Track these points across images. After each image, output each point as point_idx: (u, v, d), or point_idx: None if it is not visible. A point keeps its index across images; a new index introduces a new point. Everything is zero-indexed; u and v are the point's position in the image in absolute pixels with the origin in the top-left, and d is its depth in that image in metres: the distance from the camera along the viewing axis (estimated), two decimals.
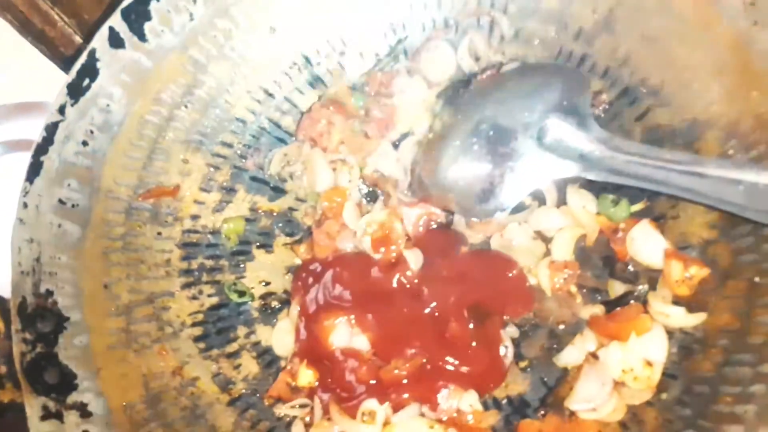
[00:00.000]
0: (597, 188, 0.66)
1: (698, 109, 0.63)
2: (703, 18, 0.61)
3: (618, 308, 0.62)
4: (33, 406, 0.54)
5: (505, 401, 0.63)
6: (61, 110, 0.62)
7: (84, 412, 0.56)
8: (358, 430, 0.60)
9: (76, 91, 0.63)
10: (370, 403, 0.61)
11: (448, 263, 0.66)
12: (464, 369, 0.61)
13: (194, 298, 0.68)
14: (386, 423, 0.61)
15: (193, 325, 0.67)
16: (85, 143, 0.63)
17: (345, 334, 0.65)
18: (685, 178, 0.56)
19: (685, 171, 0.56)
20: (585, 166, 0.61)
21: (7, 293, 0.57)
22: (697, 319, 0.59)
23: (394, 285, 0.66)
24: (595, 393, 0.58)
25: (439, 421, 0.61)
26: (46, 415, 0.54)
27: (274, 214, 0.74)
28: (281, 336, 0.68)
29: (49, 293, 0.59)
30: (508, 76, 0.69)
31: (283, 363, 0.68)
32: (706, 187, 0.54)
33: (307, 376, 0.64)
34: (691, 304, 0.59)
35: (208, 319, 0.68)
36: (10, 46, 0.81)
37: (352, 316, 0.65)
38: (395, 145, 0.73)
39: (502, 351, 0.62)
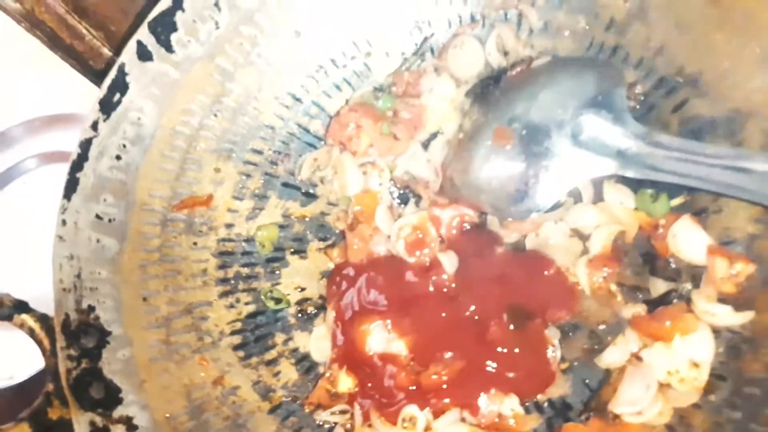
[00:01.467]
0: (635, 183, 0.64)
1: (739, 98, 0.61)
2: (743, 1, 0.58)
3: (661, 307, 0.60)
4: (80, 422, 0.54)
5: (546, 404, 0.63)
6: (94, 126, 0.63)
7: (130, 425, 0.57)
8: None
9: (107, 106, 0.63)
10: (411, 409, 0.61)
11: (484, 265, 0.66)
12: (510, 374, 0.60)
13: (232, 306, 0.69)
14: (427, 429, 0.60)
15: (232, 333, 0.68)
16: (118, 157, 0.64)
17: (381, 339, 0.65)
18: (728, 174, 0.54)
19: (728, 166, 0.54)
20: (622, 163, 0.60)
21: (50, 310, 0.58)
22: (745, 317, 0.57)
23: (431, 289, 0.65)
24: (639, 395, 0.57)
25: (480, 425, 0.60)
26: (94, 430, 0.55)
27: (307, 219, 0.74)
28: (319, 342, 0.68)
29: (91, 308, 0.59)
30: (539, 71, 0.67)
31: (321, 369, 0.68)
32: (752, 183, 0.52)
33: (346, 383, 0.64)
34: (737, 301, 0.58)
35: (246, 327, 0.69)
36: (41, 61, 0.82)
37: (388, 321, 0.65)
38: (425, 146, 0.72)
39: (549, 353, 0.61)
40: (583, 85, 0.63)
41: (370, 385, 0.63)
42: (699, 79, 0.63)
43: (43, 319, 0.58)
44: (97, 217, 0.62)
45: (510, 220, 0.67)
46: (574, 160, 0.61)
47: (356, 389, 0.64)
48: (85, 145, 0.63)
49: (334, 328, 0.67)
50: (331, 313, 0.68)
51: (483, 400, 0.60)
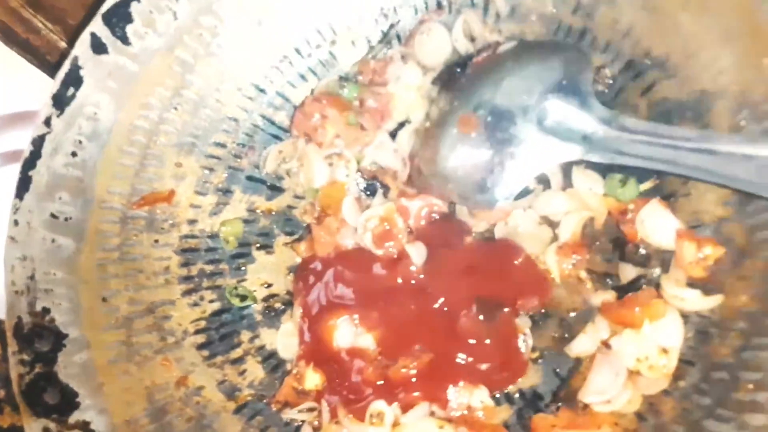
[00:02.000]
0: (603, 168, 0.63)
1: (706, 79, 0.60)
2: None
3: (630, 293, 0.59)
4: (33, 429, 0.53)
5: (517, 395, 0.62)
6: (47, 122, 0.61)
7: (87, 431, 0.55)
8: None
9: (60, 101, 0.61)
10: (379, 404, 0.60)
11: (453, 255, 0.65)
12: (482, 366, 0.59)
13: (195, 304, 0.67)
14: (395, 424, 0.59)
15: (196, 332, 0.66)
16: (74, 154, 0.62)
17: (349, 334, 0.63)
18: (694, 156, 0.53)
19: (694, 148, 0.53)
20: (589, 148, 0.59)
21: (2, 314, 0.56)
22: (714, 301, 0.56)
23: (399, 281, 0.64)
24: (608, 384, 0.56)
25: (449, 419, 0.59)
26: None
27: (273, 213, 0.72)
28: (286, 339, 0.67)
29: (46, 311, 0.58)
30: (505, 56, 0.66)
31: (288, 366, 0.66)
32: (718, 165, 0.52)
33: (313, 380, 0.63)
34: (706, 285, 0.57)
35: (210, 325, 0.67)
36: None
37: (356, 315, 0.63)
38: (392, 135, 0.71)
39: (520, 342, 0.61)
40: (548, 69, 0.62)
41: (337, 381, 0.62)
42: (666, 61, 0.63)
43: None
44: (52, 216, 0.61)
45: (478, 208, 0.65)
46: (540, 146, 0.60)
47: (324, 386, 0.63)
48: (38, 141, 0.61)
49: (301, 324, 0.65)
50: (298, 309, 0.66)
51: (452, 393, 0.59)
